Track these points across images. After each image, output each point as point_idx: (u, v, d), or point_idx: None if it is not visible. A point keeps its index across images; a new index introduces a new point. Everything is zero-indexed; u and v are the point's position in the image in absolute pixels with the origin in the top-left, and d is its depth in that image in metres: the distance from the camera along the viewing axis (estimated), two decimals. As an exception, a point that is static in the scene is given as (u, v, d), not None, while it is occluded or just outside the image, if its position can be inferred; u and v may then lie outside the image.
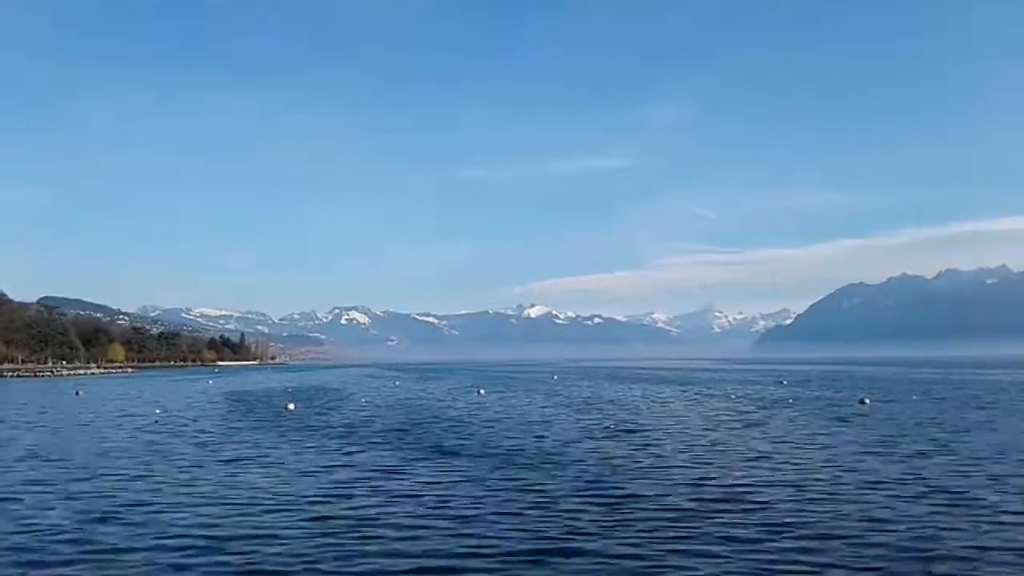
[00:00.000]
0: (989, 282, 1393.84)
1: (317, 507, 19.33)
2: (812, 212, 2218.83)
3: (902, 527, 16.76)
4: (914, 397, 63.17)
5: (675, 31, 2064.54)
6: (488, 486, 21.97)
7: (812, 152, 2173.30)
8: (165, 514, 18.78)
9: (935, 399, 61.06)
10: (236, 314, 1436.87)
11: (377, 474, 24.43)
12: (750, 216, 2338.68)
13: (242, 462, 27.61)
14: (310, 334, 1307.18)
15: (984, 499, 19.55)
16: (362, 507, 19.33)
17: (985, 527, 16.67)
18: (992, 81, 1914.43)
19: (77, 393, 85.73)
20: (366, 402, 64.59)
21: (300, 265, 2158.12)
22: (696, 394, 71.63)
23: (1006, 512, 18.05)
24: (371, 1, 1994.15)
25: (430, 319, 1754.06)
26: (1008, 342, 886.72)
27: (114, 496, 21.15)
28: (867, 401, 56.70)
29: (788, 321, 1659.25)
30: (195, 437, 36.87)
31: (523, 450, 29.82)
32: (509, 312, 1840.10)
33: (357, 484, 22.58)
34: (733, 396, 67.26)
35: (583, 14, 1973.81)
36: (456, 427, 40.16)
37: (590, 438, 33.95)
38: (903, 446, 30.35)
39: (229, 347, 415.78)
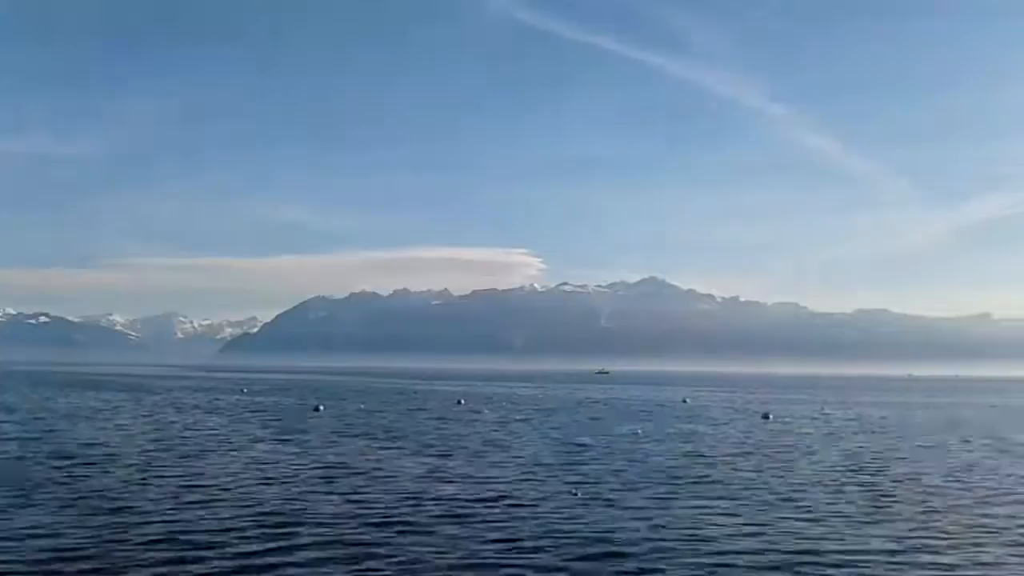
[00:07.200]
0: (435, 303, 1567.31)
1: None
2: (285, 225, 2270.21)
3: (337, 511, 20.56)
4: (362, 405, 70.71)
5: (150, 21, 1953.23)
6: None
7: (283, 165, 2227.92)
8: None
9: (380, 403, 69.71)
10: None
11: None
12: (224, 223, 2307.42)
13: None
14: None
15: (411, 473, 24.54)
16: None
17: (411, 503, 21.30)
18: (470, 125, 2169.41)
19: None
20: None
21: None
22: (148, 404, 70.45)
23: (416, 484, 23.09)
24: None
25: None
26: (450, 357, 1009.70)
27: None
28: (321, 408, 62.47)
29: (255, 329, 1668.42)
30: None
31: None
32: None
33: None
34: (193, 406, 67.79)
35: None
36: None
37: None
38: (348, 441, 35.67)
39: None
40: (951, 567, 16.14)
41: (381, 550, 16.64)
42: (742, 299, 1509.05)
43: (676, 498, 23.28)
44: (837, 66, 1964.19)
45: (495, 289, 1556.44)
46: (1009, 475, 29.71)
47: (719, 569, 15.74)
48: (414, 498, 22.52)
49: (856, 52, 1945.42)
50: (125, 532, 17.84)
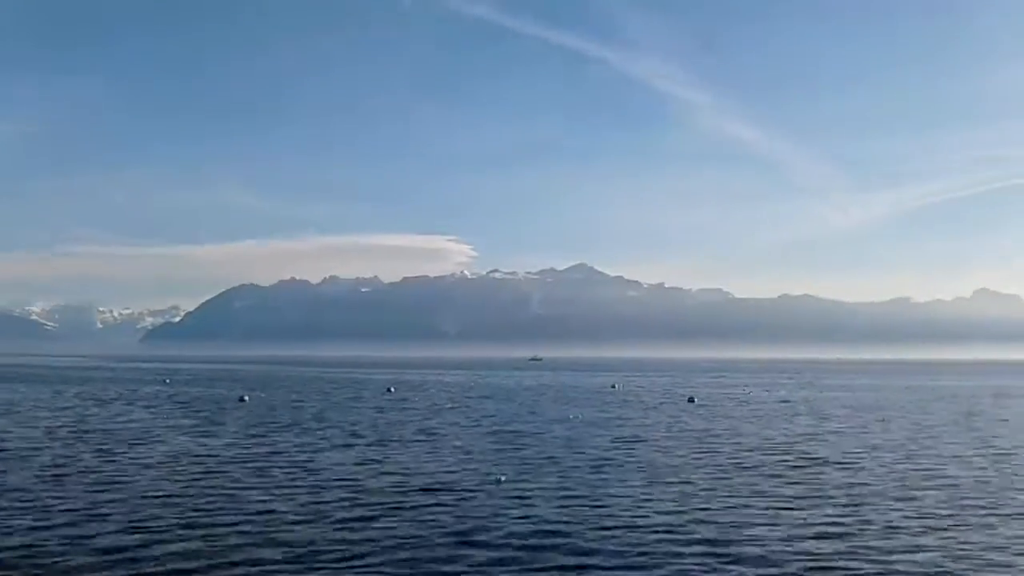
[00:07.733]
0: (364, 290, 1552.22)
1: None
2: (211, 213, 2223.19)
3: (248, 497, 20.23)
4: (289, 395, 69.76)
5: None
6: None
7: (211, 155, 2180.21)
8: None
9: (308, 392, 69.07)
10: None
11: None
12: (150, 212, 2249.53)
13: None
14: None
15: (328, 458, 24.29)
16: None
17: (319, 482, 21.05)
18: (397, 106, 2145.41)
19: None
20: None
21: None
22: (67, 396, 68.26)
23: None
24: None
25: None
26: (381, 344, 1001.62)
27: None
28: (247, 398, 61.44)
29: (177, 319, 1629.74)
30: None
31: None
32: None
33: None
34: (113, 398, 65.94)
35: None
36: None
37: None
38: (274, 433, 35.21)
39: None
40: (876, 549, 16.59)
41: (314, 546, 16.30)
42: (667, 285, 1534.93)
43: (608, 483, 23.48)
44: (762, 55, 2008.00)
45: (426, 276, 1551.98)
46: (929, 454, 30.84)
47: (650, 552, 15.89)
48: (344, 489, 22.19)
49: (781, 42, 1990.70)
50: (44, 532, 17.14)
